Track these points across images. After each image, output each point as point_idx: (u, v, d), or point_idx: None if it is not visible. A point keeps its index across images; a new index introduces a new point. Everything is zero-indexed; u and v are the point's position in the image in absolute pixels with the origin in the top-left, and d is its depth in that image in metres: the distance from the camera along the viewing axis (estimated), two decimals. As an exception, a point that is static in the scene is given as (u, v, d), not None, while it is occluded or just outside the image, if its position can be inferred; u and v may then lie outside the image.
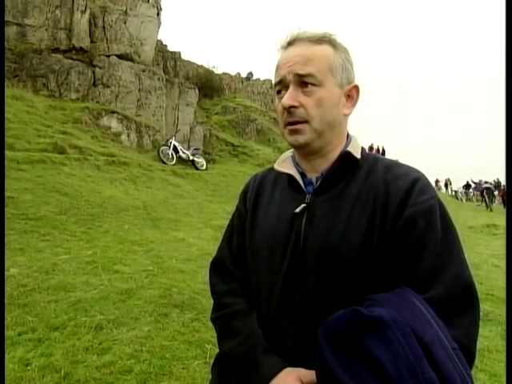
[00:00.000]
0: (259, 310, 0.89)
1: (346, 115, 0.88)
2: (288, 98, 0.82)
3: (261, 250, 0.89)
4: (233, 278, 0.96)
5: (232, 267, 0.97)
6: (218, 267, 1.00)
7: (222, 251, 1.01)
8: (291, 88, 0.83)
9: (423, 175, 0.84)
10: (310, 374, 0.73)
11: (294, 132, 0.84)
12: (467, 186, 25.71)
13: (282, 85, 0.85)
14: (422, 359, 0.61)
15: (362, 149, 0.89)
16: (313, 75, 0.81)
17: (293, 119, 0.83)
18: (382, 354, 0.60)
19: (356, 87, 0.88)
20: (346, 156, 0.86)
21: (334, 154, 0.87)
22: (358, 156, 0.86)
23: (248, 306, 0.91)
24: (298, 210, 0.85)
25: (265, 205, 0.93)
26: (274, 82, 0.88)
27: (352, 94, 0.88)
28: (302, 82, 0.82)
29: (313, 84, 0.82)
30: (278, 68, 0.86)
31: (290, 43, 0.85)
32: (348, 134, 0.91)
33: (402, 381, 0.59)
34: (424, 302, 0.70)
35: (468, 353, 0.69)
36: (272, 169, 0.97)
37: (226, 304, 0.93)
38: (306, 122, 0.83)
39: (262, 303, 0.88)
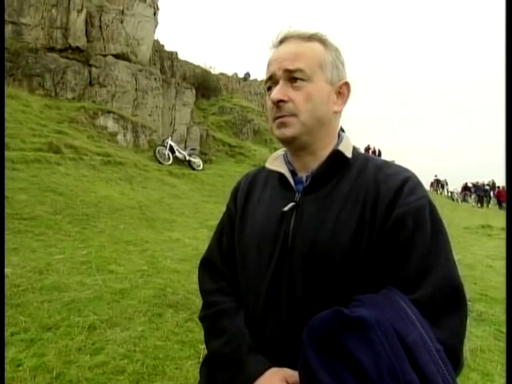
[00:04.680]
0: (247, 308, 0.89)
1: (337, 112, 0.87)
2: (277, 93, 0.82)
3: (249, 248, 0.89)
4: (222, 277, 0.95)
5: (221, 266, 0.96)
6: (207, 265, 1.00)
7: (211, 250, 1.01)
8: (281, 83, 0.83)
9: (414, 175, 0.83)
10: (295, 375, 0.73)
11: (282, 125, 0.84)
12: (466, 188, 25.89)
13: (272, 81, 0.85)
14: (403, 361, 0.60)
15: (354, 148, 0.89)
16: (302, 70, 0.81)
17: (281, 113, 0.83)
18: (363, 355, 0.60)
19: (347, 84, 0.87)
20: (336, 155, 0.85)
21: (325, 153, 0.86)
22: (349, 155, 0.85)
23: (236, 304, 0.90)
24: (286, 208, 0.84)
25: (255, 203, 0.93)
26: (264, 78, 0.88)
27: (343, 91, 0.87)
28: (292, 77, 0.82)
29: (302, 79, 0.82)
30: (268, 65, 0.86)
31: (282, 41, 0.86)
32: (339, 133, 0.91)
33: (383, 382, 0.58)
34: (409, 302, 0.69)
35: (453, 354, 0.68)
36: (264, 167, 0.96)
37: (213, 302, 0.92)
38: (294, 115, 0.82)
39: (250, 302, 0.88)
